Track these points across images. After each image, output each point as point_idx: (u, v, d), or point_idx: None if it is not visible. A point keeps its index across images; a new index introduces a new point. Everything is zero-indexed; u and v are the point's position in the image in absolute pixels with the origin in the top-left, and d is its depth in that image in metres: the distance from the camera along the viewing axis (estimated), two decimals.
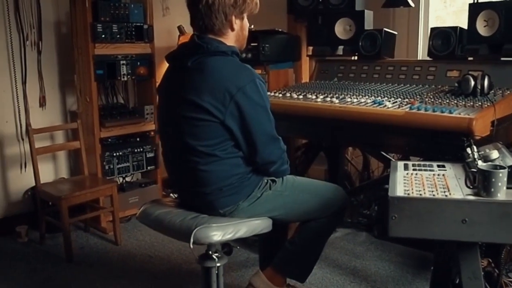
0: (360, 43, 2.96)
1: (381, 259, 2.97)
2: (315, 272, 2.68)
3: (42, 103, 3.48)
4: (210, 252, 1.94)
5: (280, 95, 2.83)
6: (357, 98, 2.51)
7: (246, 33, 1.99)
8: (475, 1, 2.70)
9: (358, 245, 3.17)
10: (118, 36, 3.35)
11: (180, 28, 3.82)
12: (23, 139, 3.39)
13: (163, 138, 2.04)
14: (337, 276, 2.76)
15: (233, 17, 1.88)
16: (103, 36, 3.27)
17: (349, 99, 2.52)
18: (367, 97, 2.52)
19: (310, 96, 2.69)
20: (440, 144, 2.12)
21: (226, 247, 2.90)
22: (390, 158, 3.15)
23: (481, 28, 2.49)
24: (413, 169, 1.87)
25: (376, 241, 3.20)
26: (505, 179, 1.53)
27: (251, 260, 2.95)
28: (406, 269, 2.84)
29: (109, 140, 3.47)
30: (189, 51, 1.88)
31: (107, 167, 3.43)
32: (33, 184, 3.25)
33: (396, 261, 2.94)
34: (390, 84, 2.76)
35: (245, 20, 1.95)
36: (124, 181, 3.73)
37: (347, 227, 3.38)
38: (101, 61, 3.30)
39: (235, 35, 1.93)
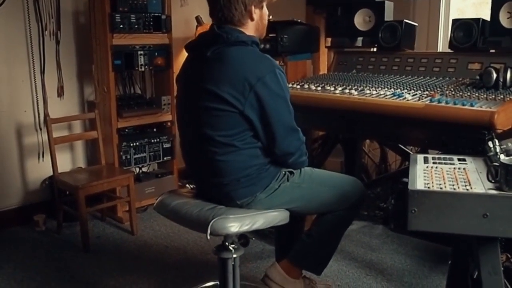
0: (380, 35, 2.92)
1: (397, 252, 2.95)
2: (330, 264, 2.66)
3: (60, 93, 3.50)
4: (227, 243, 1.94)
5: (298, 86, 2.81)
6: (376, 90, 2.48)
7: (266, 22, 1.98)
8: None
9: (374, 238, 3.15)
10: (136, 26, 3.35)
11: (198, 19, 3.81)
12: (41, 129, 3.43)
13: (181, 128, 2.04)
14: (353, 269, 2.75)
15: (253, 7, 1.87)
16: (121, 26, 3.27)
17: (368, 91, 2.49)
18: (386, 89, 2.49)
19: (328, 87, 2.66)
20: (460, 137, 2.08)
21: (243, 238, 2.91)
22: (408, 151, 3.11)
23: (504, 20, 2.44)
24: (433, 163, 1.84)
25: (392, 234, 3.18)
26: None
27: (266, 251, 2.95)
28: (423, 262, 2.82)
29: (126, 130, 3.48)
30: (208, 41, 1.87)
31: (124, 157, 3.45)
32: (51, 173, 3.29)
33: (413, 255, 2.92)
34: (410, 76, 2.72)
35: (265, 9, 1.94)
36: (140, 171, 3.75)
37: (363, 220, 3.36)
38: (119, 52, 3.31)
39: (254, 24, 1.91)
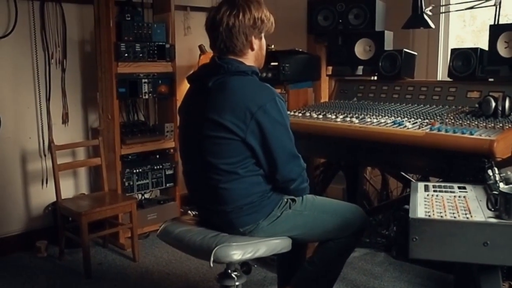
0: (380, 63, 2.97)
1: (400, 280, 2.94)
2: None
3: (65, 119, 3.54)
4: (230, 271, 1.95)
5: (300, 114, 2.85)
6: (377, 118, 2.52)
7: (264, 52, 2.03)
8: (496, 22, 2.71)
9: (376, 266, 3.14)
10: (140, 55, 3.41)
11: (201, 47, 3.88)
12: (45, 155, 3.46)
13: (184, 157, 2.07)
14: None
15: (253, 38, 1.92)
16: (126, 55, 3.33)
17: (369, 119, 2.53)
18: (387, 117, 2.53)
19: (329, 115, 2.70)
20: (461, 165, 2.11)
21: (245, 266, 2.90)
22: (410, 178, 3.13)
23: (502, 50, 2.49)
24: (434, 190, 1.86)
25: (394, 261, 3.17)
26: None
27: (268, 279, 2.94)
28: None
29: (129, 157, 3.51)
30: (210, 71, 1.92)
31: (126, 184, 3.47)
32: (54, 199, 3.31)
33: (415, 283, 2.90)
34: (410, 105, 2.76)
35: (263, 40, 2.00)
36: (143, 197, 3.76)
37: (366, 247, 3.35)
38: (123, 80, 3.36)
39: (254, 54, 1.97)
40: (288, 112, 2.89)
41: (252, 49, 1.95)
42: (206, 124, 1.87)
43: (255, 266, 3.06)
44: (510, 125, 2.15)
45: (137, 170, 3.52)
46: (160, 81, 3.54)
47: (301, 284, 2.16)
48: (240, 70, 1.90)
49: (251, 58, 1.98)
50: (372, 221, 3.32)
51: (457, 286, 2.23)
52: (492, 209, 1.61)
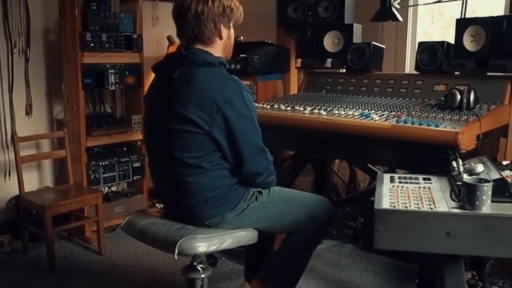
0: (349, 56, 2.98)
1: (366, 271, 2.97)
2: (300, 284, 2.65)
3: (29, 111, 3.45)
4: (195, 263, 1.93)
5: (268, 106, 2.83)
6: (344, 111, 2.52)
7: (233, 42, 2.00)
8: (462, 16, 2.74)
9: (343, 257, 3.17)
10: (107, 45, 3.34)
11: (169, 38, 3.82)
12: (8, 147, 3.36)
13: (149, 149, 2.03)
14: None
15: (222, 26, 1.89)
16: (91, 45, 3.26)
17: (336, 112, 2.53)
18: (354, 109, 2.53)
19: (298, 108, 2.69)
20: (426, 157, 2.12)
21: (211, 258, 2.87)
22: (377, 170, 3.16)
23: (468, 43, 2.52)
24: (399, 182, 1.88)
25: (361, 253, 3.20)
26: (490, 192, 1.54)
27: (236, 271, 2.93)
28: (391, 281, 2.84)
29: (95, 149, 3.45)
30: (175, 62, 1.88)
31: (92, 177, 3.41)
32: (17, 192, 3.21)
33: (381, 273, 2.94)
34: (377, 97, 2.78)
35: (232, 29, 1.97)
36: (109, 190, 3.70)
37: (333, 239, 3.38)
38: (89, 70, 3.29)
39: (222, 44, 1.93)
40: (257, 104, 2.89)
41: (221, 38, 1.92)
42: (171, 117, 1.83)
43: (223, 258, 3.04)
44: (474, 118, 2.18)
45: (104, 163, 3.46)
46: (127, 72, 3.47)
47: (268, 276, 2.15)
48: (207, 61, 1.87)
49: (219, 48, 1.94)
50: (340, 213, 3.34)
51: (421, 276, 2.26)
52: (456, 200, 1.62)
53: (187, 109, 1.79)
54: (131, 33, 3.46)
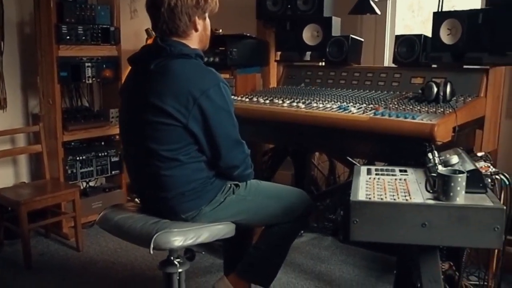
0: (327, 49, 2.97)
1: (346, 263, 2.99)
2: (280, 277, 2.67)
3: (3, 105, 3.38)
4: (172, 258, 1.91)
5: (247, 99, 2.82)
6: (323, 104, 2.52)
7: (209, 33, 1.98)
8: (439, 10, 2.75)
9: (323, 250, 3.18)
10: (83, 38, 3.29)
11: (148, 31, 3.77)
12: None
13: (124, 142, 2.00)
14: (302, 281, 2.76)
15: (196, 18, 1.86)
16: (67, 37, 3.21)
17: (315, 104, 2.53)
18: (332, 102, 2.53)
19: (276, 101, 2.68)
20: (403, 149, 2.14)
21: (189, 252, 2.87)
22: (356, 163, 3.16)
23: (445, 37, 2.53)
24: (376, 174, 1.88)
25: (341, 245, 3.21)
26: (464, 183, 1.55)
27: (216, 265, 2.92)
28: (370, 272, 2.86)
29: (72, 143, 3.40)
30: (152, 54, 1.85)
31: (69, 172, 3.36)
32: None
33: (361, 265, 2.96)
34: (356, 90, 2.78)
35: (207, 20, 1.94)
36: (87, 185, 3.65)
37: (313, 232, 3.39)
38: (65, 63, 3.24)
39: (198, 35, 1.91)
40: (235, 97, 2.88)
41: (196, 30, 1.90)
42: (147, 109, 1.80)
43: (203, 253, 3.03)
44: (450, 110, 2.19)
45: (81, 157, 3.42)
46: (104, 65, 3.43)
47: (246, 269, 2.14)
48: (184, 53, 1.84)
49: (195, 40, 1.92)
50: (320, 206, 3.35)
51: (399, 267, 2.27)
52: (431, 191, 1.63)
53: (163, 101, 1.76)
54: (108, 26, 3.42)
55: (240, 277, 2.15)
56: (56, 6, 3.17)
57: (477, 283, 2.30)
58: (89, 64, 3.35)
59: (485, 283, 2.20)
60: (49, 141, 3.31)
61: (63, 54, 3.22)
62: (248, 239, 2.34)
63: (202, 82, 1.79)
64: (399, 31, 3.55)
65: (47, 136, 3.31)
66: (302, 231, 3.32)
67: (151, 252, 1.75)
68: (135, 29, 3.91)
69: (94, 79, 3.41)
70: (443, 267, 2.17)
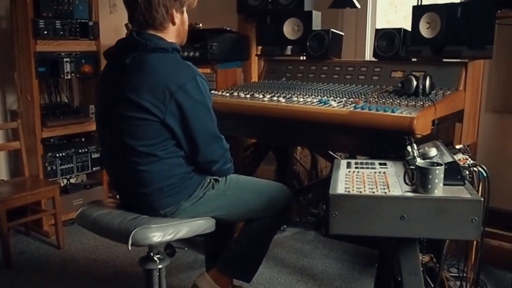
0: (308, 43, 2.97)
1: (329, 257, 2.99)
2: (262, 271, 2.68)
3: None
4: (152, 254, 1.90)
5: (228, 94, 2.80)
6: (303, 98, 2.52)
7: (187, 27, 1.95)
8: (419, 3, 2.76)
9: (306, 244, 3.18)
10: (61, 32, 3.25)
11: (127, 26, 3.71)
12: None
13: (101, 137, 1.98)
14: (285, 276, 2.76)
15: (174, 11, 1.84)
16: (45, 32, 3.16)
17: (295, 99, 2.52)
18: (313, 96, 2.53)
19: (257, 95, 2.67)
20: (383, 142, 2.13)
21: (169, 248, 2.84)
22: (337, 157, 3.17)
23: (424, 30, 2.54)
24: (355, 167, 1.88)
25: (324, 239, 3.22)
26: (442, 175, 1.55)
27: (198, 261, 2.91)
28: (353, 266, 2.87)
29: (52, 140, 3.35)
30: (127, 47, 1.83)
31: (49, 168, 3.31)
32: None
33: (343, 259, 2.97)
34: (336, 84, 2.78)
35: (185, 14, 1.92)
36: (68, 182, 3.61)
37: (296, 226, 3.40)
38: (43, 58, 3.19)
39: (176, 29, 1.89)
40: (216, 92, 2.86)
41: (174, 23, 1.87)
42: (123, 103, 1.78)
43: (185, 249, 3.01)
44: (430, 103, 2.20)
45: (61, 154, 3.37)
46: (83, 61, 3.39)
47: (227, 264, 2.14)
48: (160, 46, 1.82)
49: (172, 33, 1.90)
50: (302, 201, 3.36)
51: (381, 260, 2.28)
52: (409, 184, 1.64)
53: (139, 95, 1.74)
54: (86, 20, 3.37)
55: (221, 272, 2.14)
56: (33, 0, 3.11)
57: (457, 274, 2.32)
58: (68, 59, 3.31)
59: (465, 274, 2.21)
60: (27, 137, 3.26)
61: (41, 49, 3.17)
62: (229, 234, 2.33)
63: (179, 76, 1.77)
64: (381, 26, 3.54)
65: (26, 133, 3.26)
66: (284, 226, 3.32)
67: (130, 248, 1.73)
68: (114, 24, 3.86)
69: (73, 74, 3.36)
70: (423, 259, 2.19)
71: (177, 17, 1.86)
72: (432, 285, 2.19)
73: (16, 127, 3.21)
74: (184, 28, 1.93)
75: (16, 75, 3.29)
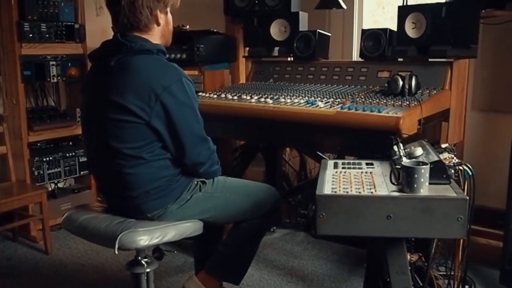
0: (295, 44, 2.97)
1: (318, 258, 3.00)
2: (252, 273, 2.67)
3: None
4: (139, 258, 1.88)
5: (215, 96, 2.80)
6: (291, 99, 2.52)
7: (171, 28, 1.95)
8: (404, 3, 2.77)
9: (296, 245, 3.18)
10: (47, 35, 3.23)
11: (114, 29, 3.71)
12: None
13: (87, 140, 1.96)
14: (275, 277, 2.76)
15: (158, 12, 1.83)
16: (30, 35, 3.14)
17: (283, 100, 2.52)
18: (300, 97, 2.53)
19: (244, 97, 2.67)
20: (370, 142, 2.14)
21: (157, 251, 2.83)
22: (326, 158, 3.17)
23: (410, 30, 2.55)
24: (342, 168, 1.88)
25: (313, 240, 3.22)
26: (427, 175, 1.56)
27: (188, 264, 2.90)
28: (343, 267, 2.88)
29: (38, 144, 3.32)
30: (112, 50, 1.81)
31: (36, 173, 3.28)
32: None
33: (333, 260, 2.97)
34: (324, 85, 2.79)
35: (169, 14, 1.91)
36: (56, 187, 3.58)
37: (285, 228, 3.39)
38: (28, 62, 3.17)
39: (161, 30, 1.88)
40: (204, 94, 2.86)
41: (158, 24, 1.86)
42: (108, 106, 1.76)
43: (175, 252, 3.00)
44: (416, 103, 2.21)
45: (48, 158, 3.35)
46: (69, 64, 3.37)
47: (215, 267, 2.13)
48: (145, 48, 1.81)
49: (157, 35, 1.89)
50: (291, 202, 3.36)
51: (369, 261, 2.29)
52: (395, 183, 1.64)
53: (124, 98, 1.73)
54: (72, 23, 3.36)
55: (210, 275, 2.13)
56: (17, 2, 3.09)
57: (445, 273, 2.33)
58: (54, 62, 3.29)
59: (452, 273, 2.22)
60: (14, 142, 3.23)
61: (26, 52, 3.15)
62: (218, 236, 2.32)
63: (164, 78, 1.76)
64: (369, 27, 3.55)
65: (12, 137, 3.23)
66: (274, 227, 3.32)
67: (116, 252, 1.72)
68: (101, 26, 3.83)
69: (59, 78, 3.34)
70: (412, 258, 2.20)
71: (161, 17, 1.86)
72: (421, 284, 2.20)
73: (2, 131, 3.18)
74: (169, 29, 1.93)
75: (1, 78, 3.26)
